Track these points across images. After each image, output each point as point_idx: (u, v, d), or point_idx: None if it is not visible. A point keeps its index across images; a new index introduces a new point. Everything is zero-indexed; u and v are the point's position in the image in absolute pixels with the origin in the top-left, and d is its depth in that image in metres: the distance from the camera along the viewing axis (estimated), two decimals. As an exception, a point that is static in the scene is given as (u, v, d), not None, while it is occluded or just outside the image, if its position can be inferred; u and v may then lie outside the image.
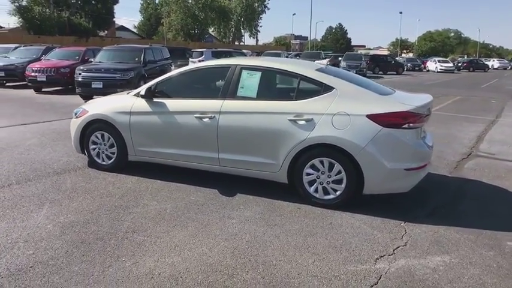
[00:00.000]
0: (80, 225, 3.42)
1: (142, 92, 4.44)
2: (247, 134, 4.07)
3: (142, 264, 2.83)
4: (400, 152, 3.71)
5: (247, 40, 76.10)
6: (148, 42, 44.91)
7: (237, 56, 19.39)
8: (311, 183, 3.95)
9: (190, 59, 18.52)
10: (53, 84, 13.09)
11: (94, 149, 4.92)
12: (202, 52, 18.40)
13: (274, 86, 4.28)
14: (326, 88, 3.92)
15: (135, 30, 67.89)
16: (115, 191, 4.27)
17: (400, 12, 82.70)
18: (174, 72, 4.63)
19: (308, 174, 3.93)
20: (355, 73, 22.18)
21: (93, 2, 44.25)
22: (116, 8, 77.28)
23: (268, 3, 79.05)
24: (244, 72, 4.24)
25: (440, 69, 38.17)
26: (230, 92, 4.22)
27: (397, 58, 47.06)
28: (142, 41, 48.78)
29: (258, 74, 4.22)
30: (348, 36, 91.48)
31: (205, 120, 4.20)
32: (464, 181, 4.99)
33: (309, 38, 68.60)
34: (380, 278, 2.75)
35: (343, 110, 3.77)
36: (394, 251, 3.13)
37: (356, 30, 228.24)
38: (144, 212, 3.74)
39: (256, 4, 71.42)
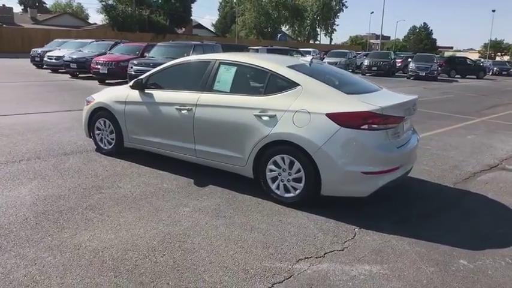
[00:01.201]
0: (52, 199, 3.82)
1: (131, 83, 4.77)
2: (219, 127, 4.18)
3: (78, 237, 3.10)
4: (357, 153, 3.53)
5: (323, 39, 74.82)
6: (220, 40, 46.65)
7: (295, 55, 19.42)
8: (274, 179, 3.94)
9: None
10: (113, 76, 14.29)
11: (98, 134, 5.39)
12: (257, 50, 18.71)
13: (246, 81, 4.31)
14: (292, 85, 3.87)
15: (212, 28, 70.91)
16: (102, 173, 4.65)
17: (493, 11, 75.16)
18: (165, 65, 4.88)
19: (271, 170, 3.92)
20: (425, 75, 20.93)
21: (172, 0, 46.99)
22: (197, 6, 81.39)
23: (346, 1, 77.09)
24: (222, 67, 4.34)
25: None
26: (207, 85, 4.35)
27: (482, 61, 42.90)
28: (214, 39, 50.80)
29: (234, 69, 4.29)
30: (433, 36, 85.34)
31: (184, 112, 4.39)
32: (464, 193, 4.55)
33: (379, 38, 65.45)
34: (289, 278, 2.70)
35: (304, 108, 3.69)
36: (325, 254, 3.02)
37: (443, 31, 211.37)
38: (113, 193, 4.05)
39: (334, 2, 70.09)
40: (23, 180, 4.29)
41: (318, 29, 72.18)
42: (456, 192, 4.60)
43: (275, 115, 3.80)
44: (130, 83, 4.83)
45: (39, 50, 19.83)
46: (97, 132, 5.40)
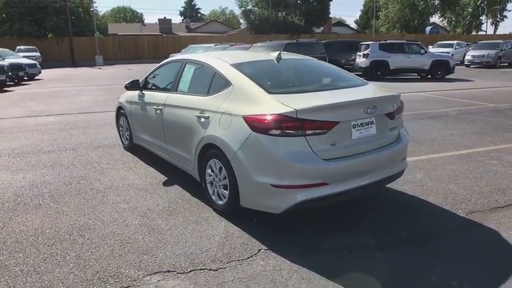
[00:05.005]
0: (40, 185, 4.45)
1: (128, 84, 5.12)
2: (176, 127, 4.17)
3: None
4: (266, 163, 3.04)
5: (489, 29, 63.94)
6: (359, 36, 44.86)
7: (413, 49, 17.32)
8: (211, 184, 3.73)
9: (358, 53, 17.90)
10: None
11: (121, 131, 5.98)
12: (368, 45, 17.33)
13: (200, 80, 4.09)
14: (227, 84, 3.58)
15: (354, 26, 68.65)
16: (104, 165, 5.16)
17: None
18: (157, 65, 5.08)
19: (209, 175, 3.72)
20: (480, 64, 17.25)
21: (310, 0, 47.30)
22: (341, 4, 79.85)
23: (519, -18, 64.20)
24: (186, 67, 4.31)
25: None
26: (175, 86, 4.38)
27: None
28: (352, 36, 49.16)
29: (193, 69, 4.21)
30: None
31: (158, 112, 4.51)
32: (471, 226, 3.43)
33: None
34: None
35: (229, 109, 3.38)
36: (191, 271, 2.74)
37: None
38: (88, 184, 4.46)
39: (505, -15, 59.33)
40: (38, 166, 5.11)
41: (482, 18, 62.15)
42: (462, 222, 3.50)
43: (209, 116, 3.59)
44: (126, 84, 5.18)
45: (177, 55, 22.68)
46: (120, 129, 5.99)
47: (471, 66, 24.52)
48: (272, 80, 3.63)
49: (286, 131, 2.96)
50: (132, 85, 5.09)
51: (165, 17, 50.72)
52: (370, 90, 3.68)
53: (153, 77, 5.06)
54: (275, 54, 4.02)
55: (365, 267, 2.78)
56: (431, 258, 2.89)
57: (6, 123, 8.01)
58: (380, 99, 3.39)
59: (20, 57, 19.61)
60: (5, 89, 14.49)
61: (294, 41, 14.35)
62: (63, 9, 32.12)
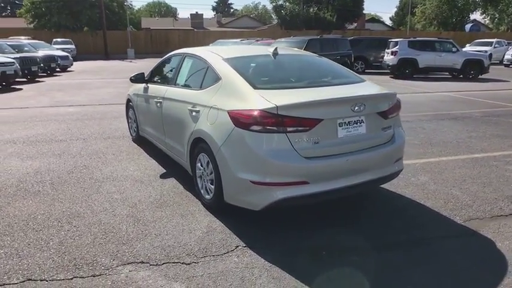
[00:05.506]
0: (44, 172, 4.62)
1: (133, 77, 5.19)
2: (172, 120, 4.20)
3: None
4: (246, 159, 3.00)
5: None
6: (392, 33, 43.59)
7: (444, 47, 16.63)
8: (200, 178, 3.73)
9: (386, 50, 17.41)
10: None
11: (130, 123, 6.10)
12: (397, 42, 16.76)
13: (195, 74, 4.08)
14: (217, 79, 3.56)
15: (389, 22, 66.74)
16: (109, 156, 5.29)
17: None
18: (162, 59, 5.13)
19: (199, 168, 3.73)
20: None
21: (343, -5, 46.32)
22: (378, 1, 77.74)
23: None
24: (185, 61, 4.32)
25: None
26: (174, 79, 4.41)
27: None
28: (386, 32, 47.79)
29: (190, 62, 4.22)
30: None
31: (158, 105, 4.57)
32: (466, 234, 3.25)
33: None
34: (95, 276, 2.61)
35: (216, 104, 3.36)
36: (164, 264, 2.75)
37: None
38: (89, 173, 4.59)
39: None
40: (48, 154, 5.30)
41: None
42: (457, 229, 3.33)
43: (199, 110, 3.59)
44: (131, 77, 5.25)
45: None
46: (129, 121, 6.12)
47: (511, 66, 23.28)
48: (262, 76, 3.58)
49: (267, 127, 2.91)
50: (137, 78, 5.17)
51: (196, 12, 51.47)
52: (363, 87, 3.55)
53: (157, 70, 5.11)
54: (272, 49, 3.96)
55: (339, 270, 2.70)
56: (412, 265, 2.77)
57: (29, 112, 8.37)
58: (369, 97, 3.26)
59: (54, 49, 20.43)
60: (37, 79, 15.16)
61: (318, 36, 14.04)
62: (98, 4, 33.12)
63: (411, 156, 5.31)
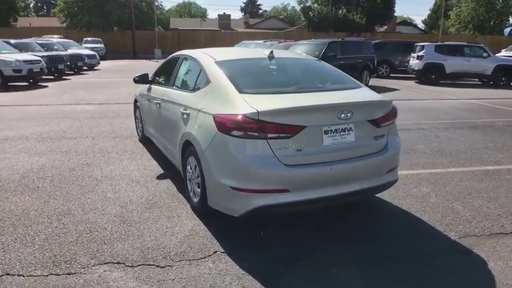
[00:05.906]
0: (47, 169, 4.76)
1: (137, 78, 5.27)
2: (168, 122, 4.23)
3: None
4: (227, 164, 2.97)
5: None
6: (423, 37, 42.41)
7: (474, 52, 15.99)
8: (190, 181, 3.73)
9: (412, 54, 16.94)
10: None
11: (136, 123, 6.21)
12: (423, 46, 16.25)
13: (190, 76, 4.08)
14: (207, 81, 3.55)
15: (421, 25, 64.96)
16: (113, 155, 5.39)
17: None
18: (164, 60, 5.18)
19: (188, 171, 3.73)
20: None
21: (373, -3, 45.45)
22: (405, 1, 75.93)
23: None
24: (183, 62, 4.34)
25: None
26: (172, 81, 4.44)
27: None
28: (417, 36, 46.52)
29: (187, 64, 4.23)
30: None
31: (157, 106, 4.62)
32: (457, 252, 3.09)
33: None
34: (69, 274, 2.65)
35: (204, 107, 3.35)
36: (133, 266, 2.75)
37: None
38: (90, 171, 4.69)
39: None
40: (55, 151, 5.46)
41: None
42: (451, 246, 3.16)
43: (189, 113, 3.60)
44: (135, 77, 5.33)
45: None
46: (136, 121, 6.22)
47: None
48: (251, 80, 3.53)
49: (248, 133, 2.87)
50: (140, 79, 5.24)
51: (224, 13, 51.84)
52: (355, 94, 3.44)
53: (159, 72, 5.17)
54: (267, 52, 3.91)
55: (313, 282, 2.62)
56: (390, 282, 2.66)
57: (48, 110, 8.68)
58: (357, 105, 3.15)
59: (82, 48, 21.12)
60: (63, 77, 15.71)
61: (339, 39, 13.79)
62: (128, 4, 34.00)
63: (417, 165, 5.12)
